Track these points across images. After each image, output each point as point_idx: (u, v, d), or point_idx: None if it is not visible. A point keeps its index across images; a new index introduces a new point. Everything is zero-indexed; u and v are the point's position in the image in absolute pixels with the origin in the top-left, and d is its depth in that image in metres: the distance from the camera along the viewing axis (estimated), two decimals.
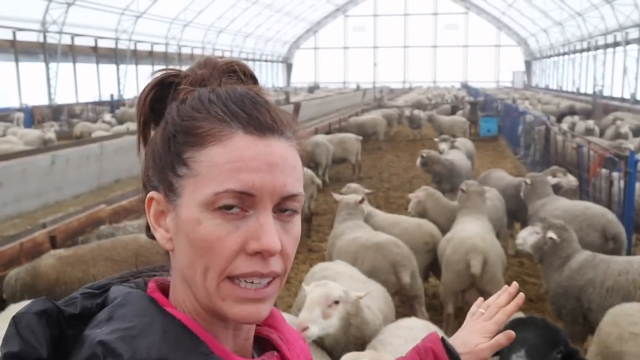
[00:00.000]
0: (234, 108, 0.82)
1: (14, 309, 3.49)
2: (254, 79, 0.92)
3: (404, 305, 5.30)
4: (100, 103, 29.31)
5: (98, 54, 32.65)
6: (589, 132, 15.17)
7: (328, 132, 15.61)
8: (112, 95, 30.86)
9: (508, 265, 6.42)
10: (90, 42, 31.74)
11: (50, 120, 22.79)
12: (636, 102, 28.67)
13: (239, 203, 0.79)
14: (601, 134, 15.46)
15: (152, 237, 0.88)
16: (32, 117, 22.72)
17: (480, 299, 1.32)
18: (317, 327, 3.22)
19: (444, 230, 6.28)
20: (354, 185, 7.86)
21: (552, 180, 7.44)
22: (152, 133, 0.90)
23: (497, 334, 1.21)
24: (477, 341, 1.21)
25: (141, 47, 36.46)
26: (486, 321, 1.23)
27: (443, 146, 11.67)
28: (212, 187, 0.79)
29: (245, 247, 0.79)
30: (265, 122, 0.82)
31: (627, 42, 31.65)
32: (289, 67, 63.24)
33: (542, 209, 6.54)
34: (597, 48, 37.36)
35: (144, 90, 0.90)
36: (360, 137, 14.12)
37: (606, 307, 4.33)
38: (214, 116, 0.81)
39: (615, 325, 3.51)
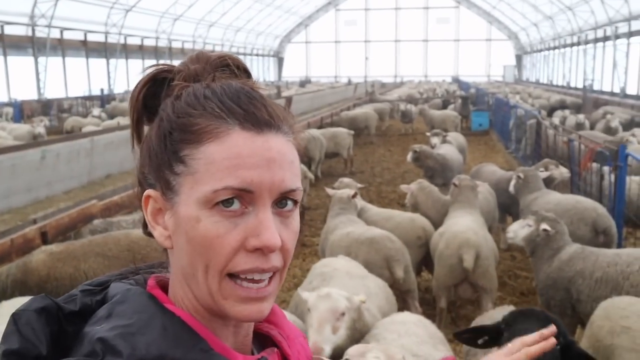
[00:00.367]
0: (230, 104, 0.81)
1: (5, 306, 3.48)
2: (247, 73, 0.91)
3: (397, 300, 5.30)
4: (90, 97, 29.15)
5: (88, 48, 32.41)
6: (579, 126, 15.27)
7: (320, 127, 15.59)
8: (102, 90, 30.59)
9: (500, 259, 6.45)
10: (79, 36, 31.48)
11: (40, 115, 22.61)
12: (626, 96, 28.84)
13: (238, 200, 0.79)
14: (591, 128, 15.57)
15: (149, 234, 0.87)
16: (22, 111, 22.55)
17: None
18: (330, 345, 3.24)
19: (435, 224, 6.30)
20: (346, 179, 7.87)
21: (543, 174, 7.49)
22: (146, 129, 0.88)
23: None
24: None
25: (131, 41, 36.21)
26: (506, 356, 1.18)
27: (435, 140, 11.68)
28: (211, 185, 0.78)
29: (245, 244, 0.79)
30: (262, 118, 0.81)
31: (617, 37, 31.83)
32: (280, 61, 63.04)
33: (534, 203, 6.57)
34: (587, 42, 37.59)
35: (137, 86, 0.88)
36: (352, 132, 14.12)
37: (595, 298, 4.38)
38: (210, 112, 0.80)
39: (607, 319, 3.51)
